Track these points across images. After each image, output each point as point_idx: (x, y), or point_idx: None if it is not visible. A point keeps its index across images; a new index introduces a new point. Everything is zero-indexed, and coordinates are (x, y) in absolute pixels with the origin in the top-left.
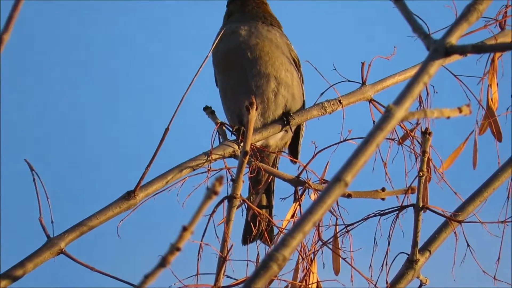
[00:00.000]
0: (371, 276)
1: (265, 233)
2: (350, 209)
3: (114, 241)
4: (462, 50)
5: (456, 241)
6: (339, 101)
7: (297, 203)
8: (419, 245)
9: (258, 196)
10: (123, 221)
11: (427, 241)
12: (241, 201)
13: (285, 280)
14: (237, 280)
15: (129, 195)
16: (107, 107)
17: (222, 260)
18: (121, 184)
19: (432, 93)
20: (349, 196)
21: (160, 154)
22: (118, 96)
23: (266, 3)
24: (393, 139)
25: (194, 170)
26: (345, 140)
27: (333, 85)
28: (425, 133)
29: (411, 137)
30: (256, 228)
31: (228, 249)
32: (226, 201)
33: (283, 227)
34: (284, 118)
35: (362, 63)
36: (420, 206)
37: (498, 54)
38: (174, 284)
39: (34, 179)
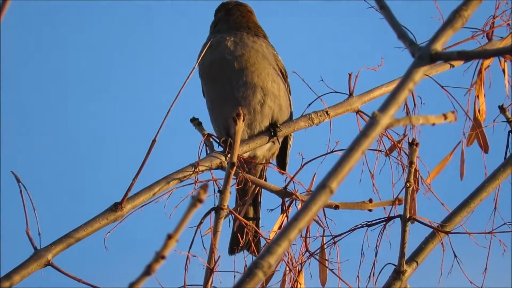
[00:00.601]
0: (358, 287)
1: (252, 244)
2: (338, 220)
3: (101, 253)
4: (447, 57)
5: (443, 252)
6: (326, 112)
7: (285, 214)
8: (406, 256)
9: (245, 207)
10: (110, 233)
11: (414, 252)
12: (228, 212)
13: None
14: None
15: (116, 206)
16: (93, 118)
17: (209, 271)
18: (108, 195)
19: (420, 104)
20: (336, 207)
21: (147, 165)
22: (104, 108)
23: (253, 13)
24: (380, 150)
25: (181, 181)
26: (332, 152)
27: (320, 96)
28: (412, 144)
29: (398, 148)
30: (244, 238)
31: (216, 260)
32: (213, 213)
33: (270, 238)
34: (271, 129)
35: (349, 74)
36: (407, 217)
37: (485, 65)
38: None
39: (21, 191)
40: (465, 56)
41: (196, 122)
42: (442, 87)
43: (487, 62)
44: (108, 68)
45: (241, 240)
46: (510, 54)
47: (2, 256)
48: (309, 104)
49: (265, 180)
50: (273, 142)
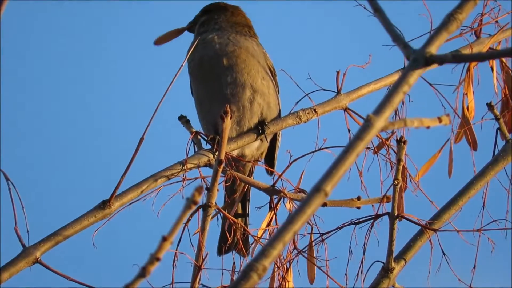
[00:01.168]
0: (347, 284)
1: (240, 243)
2: (326, 218)
3: (89, 250)
4: (442, 60)
5: (432, 250)
6: (314, 110)
7: (273, 212)
8: (395, 254)
9: (234, 205)
10: (99, 230)
11: (402, 250)
12: (216, 210)
13: None
14: None
15: (104, 204)
16: (81, 115)
17: (197, 269)
18: (96, 193)
19: (408, 102)
20: (324, 205)
21: (135, 163)
22: (92, 105)
23: (243, 13)
24: (368, 148)
25: (169, 179)
26: (320, 149)
27: (308, 94)
28: (400, 142)
29: (387, 146)
30: (231, 237)
31: (203, 258)
32: (201, 210)
33: (259, 236)
34: (259, 127)
35: (337, 72)
36: (395, 214)
37: (474, 63)
38: None
39: (9, 189)
40: (460, 59)
41: (184, 120)
42: (430, 84)
43: None
44: (95, 65)
45: (229, 239)
46: (504, 57)
47: None
48: (297, 102)
49: (253, 179)
50: (261, 140)
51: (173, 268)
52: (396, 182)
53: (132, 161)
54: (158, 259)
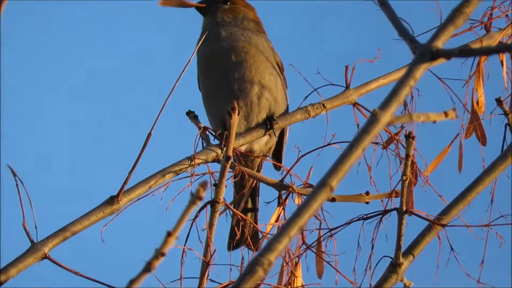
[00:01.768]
0: (355, 279)
1: (248, 238)
2: (334, 213)
3: (98, 246)
4: (448, 54)
5: (440, 245)
6: (323, 105)
7: (281, 207)
8: (403, 249)
9: (242, 201)
10: (107, 226)
11: (410, 245)
12: (224, 206)
13: (269, 284)
14: (220, 284)
15: (112, 200)
16: (89, 111)
17: (205, 265)
18: (104, 189)
19: (417, 96)
20: (333, 200)
21: (143, 159)
22: (100, 101)
23: (252, 8)
24: (377, 143)
25: (177, 174)
26: (328, 144)
27: (316, 89)
28: (409, 137)
29: (396, 141)
30: (240, 233)
31: (211, 253)
32: (209, 206)
33: (267, 231)
34: (268, 122)
35: (345, 66)
36: (404, 210)
37: (484, 57)
38: None
39: (17, 185)
40: (467, 53)
41: (192, 115)
42: (439, 79)
43: None
44: (102, 60)
45: (238, 234)
46: None
47: None
48: (306, 97)
49: (261, 174)
50: (269, 135)
51: (182, 263)
52: (405, 178)
53: (140, 156)
54: (163, 254)
